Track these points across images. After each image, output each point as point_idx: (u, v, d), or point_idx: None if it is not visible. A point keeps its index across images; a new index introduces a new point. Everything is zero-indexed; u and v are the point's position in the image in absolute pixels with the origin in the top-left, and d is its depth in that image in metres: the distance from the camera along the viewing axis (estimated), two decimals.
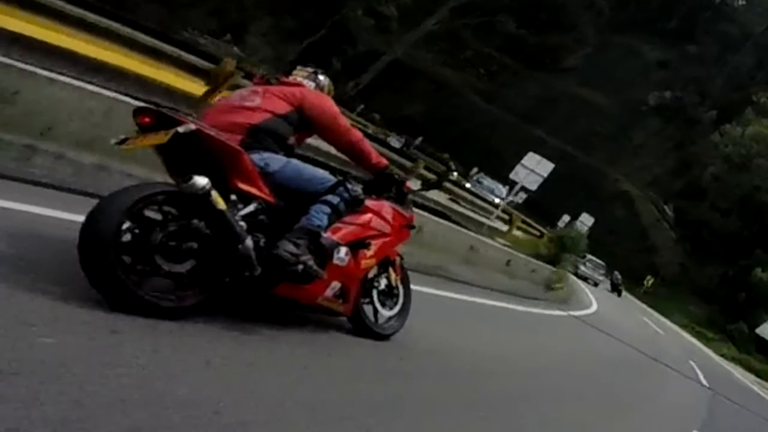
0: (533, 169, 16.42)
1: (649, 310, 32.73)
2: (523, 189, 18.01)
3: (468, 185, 20.37)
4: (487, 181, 25.33)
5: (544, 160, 16.65)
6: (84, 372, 1.97)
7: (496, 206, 18.07)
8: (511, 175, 16.91)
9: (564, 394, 5.27)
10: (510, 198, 20.97)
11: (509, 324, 7.88)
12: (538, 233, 21.27)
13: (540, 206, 34.42)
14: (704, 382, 12.04)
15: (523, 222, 21.10)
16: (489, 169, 30.20)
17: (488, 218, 16.64)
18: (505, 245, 13.44)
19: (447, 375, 4.07)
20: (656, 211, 49.41)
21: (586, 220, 30.60)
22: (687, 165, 50.80)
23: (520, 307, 9.24)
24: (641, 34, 55.87)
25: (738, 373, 22.72)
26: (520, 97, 52.44)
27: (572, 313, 11.99)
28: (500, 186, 24.63)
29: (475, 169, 27.88)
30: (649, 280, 40.03)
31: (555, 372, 6.08)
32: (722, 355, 27.92)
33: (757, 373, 25.88)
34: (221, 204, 2.63)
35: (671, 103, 54.65)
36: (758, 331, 33.27)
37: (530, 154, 16.94)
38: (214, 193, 2.59)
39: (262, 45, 28.28)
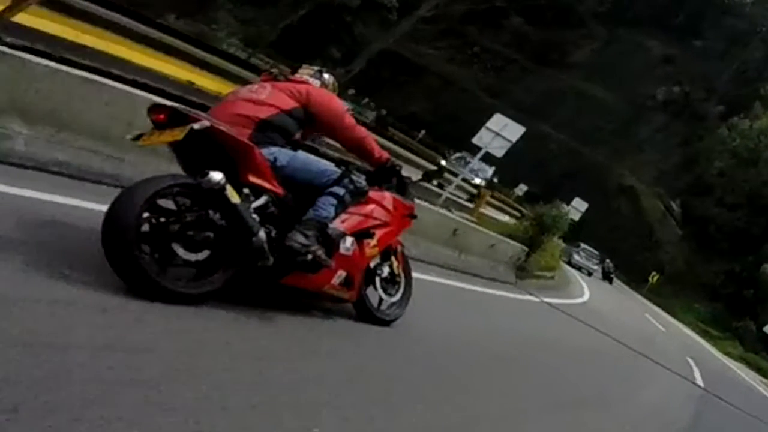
0: (499, 132, 14.19)
1: (653, 307, 32.00)
2: (488, 156, 15.52)
3: (443, 163, 18.52)
4: (475, 163, 24.79)
5: (513, 123, 14.52)
6: (102, 351, 2.13)
7: (465, 179, 16.36)
8: (474, 140, 14.59)
9: (503, 387, 4.45)
10: (478, 175, 19.58)
11: (457, 305, 6.84)
12: (518, 214, 19.44)
13: (543, 200, 34.36)
14: (699, 381, 10.97)
15: (499, 200, 19.40)
16: (492, 163, 30.09)
17: (445, 190, 14.74)
18: (468, 220, 11.83)
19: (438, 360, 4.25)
20: (662, 206, 49.19)
21: (578, 206, 28.14)
22: (694, 160, 50.53)
23: (472, 287, 8.01)
24: (648, 29, 55.56)
25: (743, 373, 21.62)
26: (526, 92, 52.32)
27: (548, 300, 10.60)
28: (487, 168, 24.13)
29: (464, 152, 27.36)
30: (654, 277, 39.17)
31: (502, 361, 5.21)
32: (727, 354, 27.02)
33: (765, 374, 24.92)
34: (236, 198, 2.78)
35: (678, 99, 54.41)
36: (766, 329, 32.78)
37: (497, 116, 14.82)
38: (229, 188, 2.74)
39: (241, 26, 27.46)
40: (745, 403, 11.16)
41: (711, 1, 57.25)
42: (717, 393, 10.33)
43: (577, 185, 41.80)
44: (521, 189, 32.55)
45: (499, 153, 14.62)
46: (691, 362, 13.60)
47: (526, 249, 11.78)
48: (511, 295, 9.35)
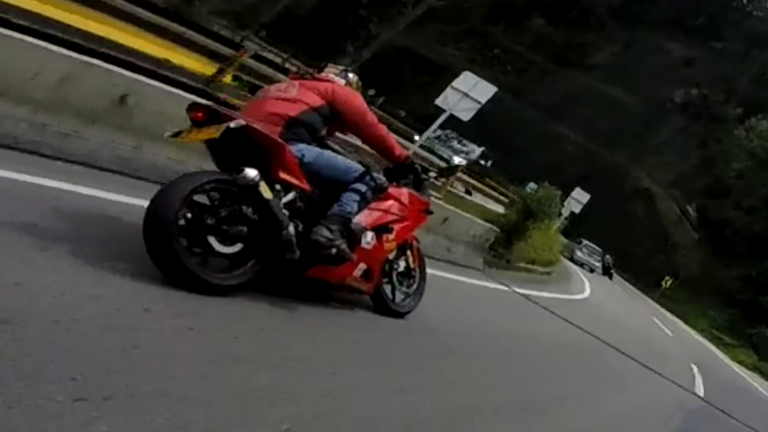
0: (467, 93, 12.46)
1: (664, 311, 30.95)
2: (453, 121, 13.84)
3: (417, 138, 17.20)
4: (469, 146, 23.88)
5: (483, 82, 12.85)
6: (143, 338, 2.34)
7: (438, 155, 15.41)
8: (438, 101, 12.81)
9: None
10: (460, 155, 18.84)
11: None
12: (506, 199, 18.14)
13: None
14: (700, 389, 9.88)
15: (479, 180, 17.94)
16: (509, 162, 29.79)
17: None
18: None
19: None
20: (678, 210, 48.76)
21: (580, 197, 26.25)
22: (711, 162, 49.95)
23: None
24: (668, 31, 55.11)
25: (756, 383, 20.20)
26: (546, 93, 52.18)
27: (519, 290, 9.17)
28: (475, 147, 23.47)
29: (448, 131, 25.90)
30: (668, 281, 38.03)
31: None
32: (740, 362, 26.04)
33: None
34: (269, 194, 2.94)
35: (697, 101, 53.90)
36: None
37: (466, 74, 13.17)
38: (263, 184, 2.91)
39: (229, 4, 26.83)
40: (753, 418, 9.64)
41: (731, 4, 56.61)
42: (718, 403, 9.14)
43: (594, 187, 41.61)
44: (531, 187, 32.37)
45: (465, 116, 12.97)
46: (695, 369, 12.53)
47: (497, 230, 10.50)
48: (478, 282, 8.22)
